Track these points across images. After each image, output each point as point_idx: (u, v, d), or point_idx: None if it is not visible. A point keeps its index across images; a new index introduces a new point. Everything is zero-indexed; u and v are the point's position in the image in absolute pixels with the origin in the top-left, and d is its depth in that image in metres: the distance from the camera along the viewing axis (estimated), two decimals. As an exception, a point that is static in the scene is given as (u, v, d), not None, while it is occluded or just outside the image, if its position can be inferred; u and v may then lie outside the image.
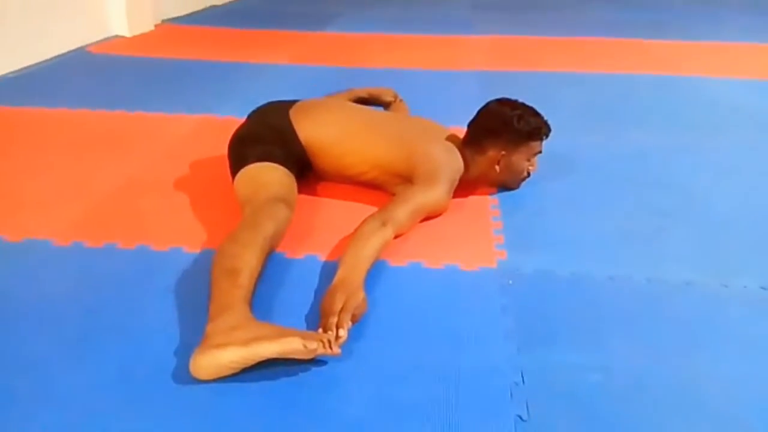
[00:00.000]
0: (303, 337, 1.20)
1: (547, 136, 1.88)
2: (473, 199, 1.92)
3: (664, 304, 1.49)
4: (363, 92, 2.30)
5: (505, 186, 1.97)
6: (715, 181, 2.10)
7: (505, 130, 1.84)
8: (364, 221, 1.59)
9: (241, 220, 1.55)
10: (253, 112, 1.99)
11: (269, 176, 1.71)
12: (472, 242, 1.71)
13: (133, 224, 1.76)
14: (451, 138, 1.93)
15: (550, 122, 1.88)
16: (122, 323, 1.36)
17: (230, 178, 1.78)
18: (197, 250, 1.63)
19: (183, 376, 1.20)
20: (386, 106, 2.31)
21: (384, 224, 1.58)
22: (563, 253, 1.67)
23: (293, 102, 1.97)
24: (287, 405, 1.16)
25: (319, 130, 1.86)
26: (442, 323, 1.40)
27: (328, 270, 1.53)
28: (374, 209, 1.67)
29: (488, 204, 1.91)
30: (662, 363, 1.29)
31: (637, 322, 1.42)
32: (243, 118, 1.97)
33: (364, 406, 1.16)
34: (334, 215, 1.82)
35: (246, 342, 1.18)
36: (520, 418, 1.14)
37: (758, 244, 1.73)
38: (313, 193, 1.94)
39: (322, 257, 1.62)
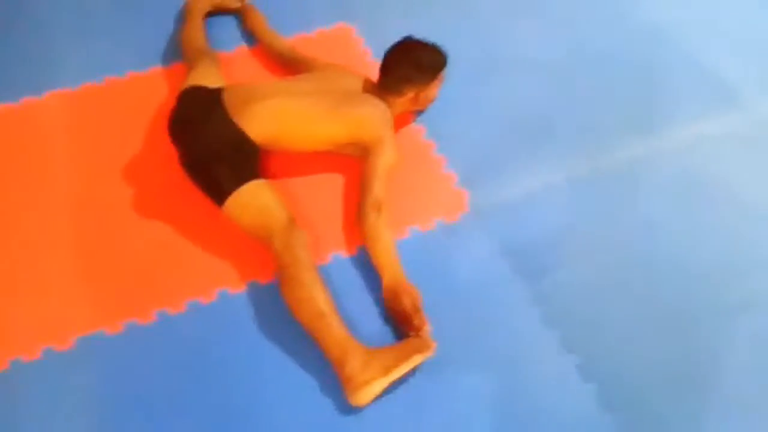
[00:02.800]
0: (419, 350, 1.62)
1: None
2: (405, 135, 2.20)
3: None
4: (208, 5, 2.45)
5: (417, 111, 2.26)
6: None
7: (418, 75, 2.08)
8: (363, 216, 1.83)
9: (280, 256, 1.73)
10: (182, 110, 1.97)
11: (262, 197, 1.85)
12: (436, 189, 2.07)
13: (153, 282, 1.85)
14: (369, 86, 2.12)
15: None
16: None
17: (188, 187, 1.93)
18: (242, 289, 1.84)
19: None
20: (236, 12, 2.49)
21: (379, 210, 1.83)
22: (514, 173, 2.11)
23: (216, 92, 1.98)
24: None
25: (265, 127, 1.93)
26: (468, 284, 1.86)
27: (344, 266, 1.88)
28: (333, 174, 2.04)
29: (420, 135, 2.22)
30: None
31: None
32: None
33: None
34: (307, 197, 2.02)
35: (386, 372, 1.57)
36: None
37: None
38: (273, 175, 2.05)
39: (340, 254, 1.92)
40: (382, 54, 2.11)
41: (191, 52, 2.26)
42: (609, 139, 2.20)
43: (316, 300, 1.65)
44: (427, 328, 1.69)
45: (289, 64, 2.31)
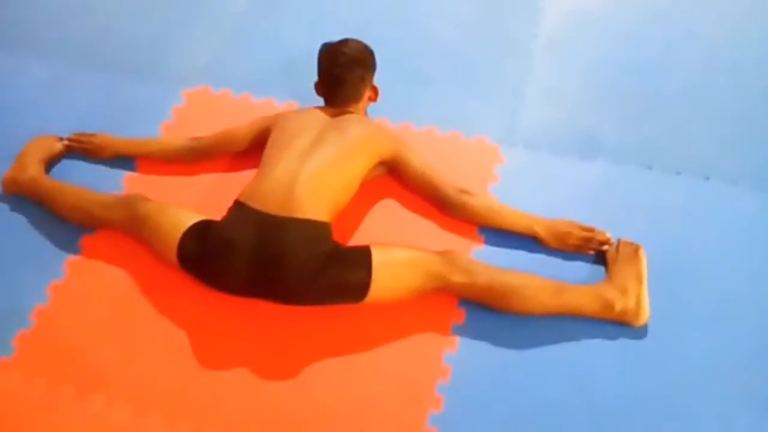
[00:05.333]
0: (632, 250, 1.67)
1: None
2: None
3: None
4: (42, 162, 1.97)
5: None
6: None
7: (366, 70, 1.89)
8: (458, 205, 1.77)
9: (461, 284, 1.61)
10: (238, 254, 1.59)
11: (394, 260, 1.63)
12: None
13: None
14: (329, 112, 1.85)
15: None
16: None
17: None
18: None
19: None
20: (81, 151, 2.02)
21: (463, 191, 1.79)
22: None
23: (243, 214, 1.64)
24: None
25: (319, 199, 1.66)
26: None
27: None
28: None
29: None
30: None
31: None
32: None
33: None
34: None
35: (638, 281, 1.61)
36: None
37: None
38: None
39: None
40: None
41: (111, 209, 1.81)
42: None
43: (539, 287, 1.61)
44: (608, 233, 1.73)
45: (207, 153, 1.96)
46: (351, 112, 1.87)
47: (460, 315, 1.64)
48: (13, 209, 1.93)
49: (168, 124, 2.10)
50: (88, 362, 1.64)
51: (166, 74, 2.25)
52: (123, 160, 2.00)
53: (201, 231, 1.65)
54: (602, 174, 1.88)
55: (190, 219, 1.69)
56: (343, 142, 1.75)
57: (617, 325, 1.60)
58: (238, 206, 1.66)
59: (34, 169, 1.94)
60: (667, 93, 2.06)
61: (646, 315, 1.59)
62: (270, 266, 1.57)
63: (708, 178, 1.85)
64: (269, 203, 1.63)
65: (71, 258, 1.81)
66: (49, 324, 1.70)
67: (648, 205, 1.81)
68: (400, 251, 1.63)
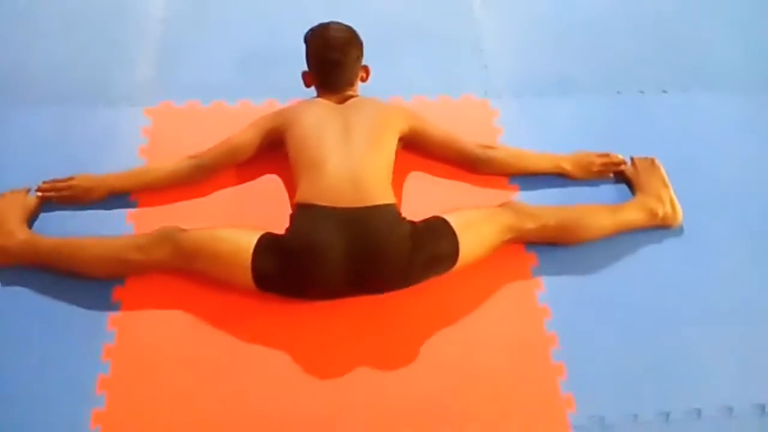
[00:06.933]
0: (650, 162, 1.87)
1: None
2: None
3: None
4: (25, 217, 1.71)
5: None
6: None
7: (359, 50, 1.87)
8: (482, 159, 1.84)
9: (529, 227, 1.69)
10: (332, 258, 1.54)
11: (473, 221, 1.68)
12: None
13: None
14: (332, 97, 1.83)
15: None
16: None
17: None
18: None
19: None
20: (58, 200, 1.77)
21: (484, 146, 1.88)
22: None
23: (315, 216, 1.58)
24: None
25: (379, 180, 1.67)
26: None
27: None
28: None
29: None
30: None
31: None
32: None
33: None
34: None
35: (665, 185, 1.82)
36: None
37: None
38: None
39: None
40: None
41: (149, 250, 1.61)
42: None
43: (596, 213, 1.76)
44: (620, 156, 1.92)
45: (213, 169, 1.81)
46: (352, 96, 1.85)
47: (532, 258, 1.73)
48: (8, 284, 1.64)
49: (146, 149, 1.89)
50: (185, 417, 1.48)
51: (113, 96, 2.02)
52: (112, 199, 1.78)
53: (271, 246, 1.56)
54: (584, 105, 2.07)
55: (248, 237, 1.58)
56: (370, 124, 1.74)
57: (659, 230, 1.80)
58: (308, 209, 1.59)
59: (22, 232, 1.65)
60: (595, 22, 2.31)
61: (680, 215, 1.80)
62: (366, 259, 1.54)
63: (665, 92, 2.13)
64: (342, 198, 1.58)
65: (112, 315, 1.59)
66: (123, 392, 1.50)
67: (634, 124, 2.04)
68: (471, 213, 1.68)
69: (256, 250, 1.55)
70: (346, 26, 1.87)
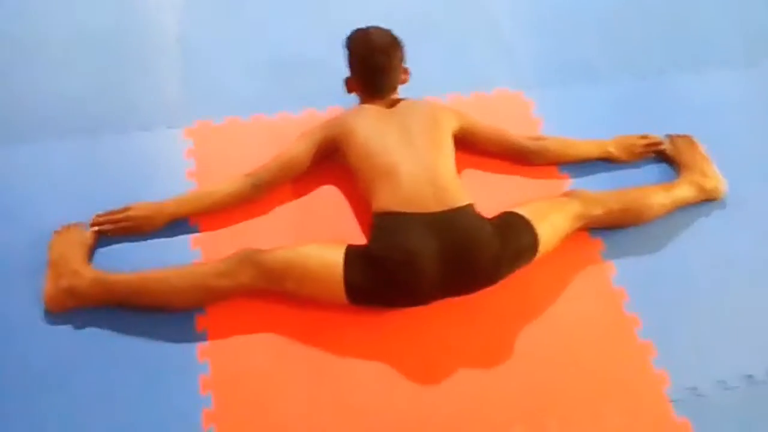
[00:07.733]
0: (687, 140, 1.95)
1: None
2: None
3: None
4: (85, 252, 1.64)
5: None
6: None
7: (401, 52, 1.86)
8: (533, 149, 1.88)
9: (599, 213, 1.74)
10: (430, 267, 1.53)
11: (546, 215, 1.69)
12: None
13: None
14: (380, 103, 1.83)
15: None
16: None
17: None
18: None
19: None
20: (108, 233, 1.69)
21: (536, 138, 1.93)
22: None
23: (404, 224, 1.56)
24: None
25: (451, 180, 1.68)
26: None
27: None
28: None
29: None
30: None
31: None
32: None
33: None
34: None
35: (706, 161, 1.90)
36: None
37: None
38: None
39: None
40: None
41: (231, 276, 1.56)
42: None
43: (654, 194, 1.82)
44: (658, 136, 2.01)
45: (271, 185, 1.76)
46: (397, 99, 1.84)
47: (598, 243, 1.78)
48: (79, 327, 1.55)
49: (193, 171, 1.82)
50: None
51: (145, 120, 1.93)
52: (170, 227, 1.71)
53: (361, 258, 1.54)
54: (611, 90, 2.14)
55: (334, 251, 1.55)
56: (428, 126, 1.75)
57: (704, 204, 1.88)
58: (392, 217, 1.57)
59: (88, 271, 1.56)
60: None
61: (724, 187, 1.89)
62: (460, 262, 1.54)
63: (682, 70, 2.22)
64: (425, 203, 1.58)
65: (201, 346, 1.53)
66: (231, 422, 1.44)
67: (661, 105, 2.12)
68: (541, 204, 1.71)
69: (346, 263, 1.53)
70: (386, 30, 1.85)
